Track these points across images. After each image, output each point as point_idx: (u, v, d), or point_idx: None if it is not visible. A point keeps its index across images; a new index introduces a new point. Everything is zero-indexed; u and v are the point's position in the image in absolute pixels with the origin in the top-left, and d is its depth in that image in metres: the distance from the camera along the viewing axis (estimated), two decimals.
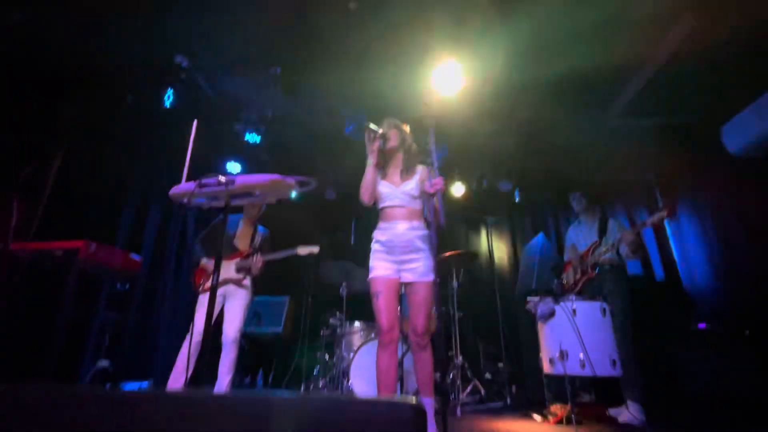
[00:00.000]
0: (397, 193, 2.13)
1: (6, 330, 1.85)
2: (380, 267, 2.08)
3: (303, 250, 3.07)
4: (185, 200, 1.57)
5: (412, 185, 2.15)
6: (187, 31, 3.23)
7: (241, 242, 3.07)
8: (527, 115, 4.19)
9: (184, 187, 1.58)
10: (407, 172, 2.18)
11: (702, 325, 3.41)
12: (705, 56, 3.20)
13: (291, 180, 1.55)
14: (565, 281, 3.32)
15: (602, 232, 3.18)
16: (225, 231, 2.94)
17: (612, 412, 2.83)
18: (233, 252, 2.98)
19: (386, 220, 2.14)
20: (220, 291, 2.82)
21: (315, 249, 3.11)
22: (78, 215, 3.25)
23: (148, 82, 3.67)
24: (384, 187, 2.18)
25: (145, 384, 3.90)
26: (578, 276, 3.16)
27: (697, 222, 3.90)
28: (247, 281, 2.95)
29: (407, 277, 2.07)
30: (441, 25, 3.05)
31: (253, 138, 4.21)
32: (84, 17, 3.07)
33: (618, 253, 3.04)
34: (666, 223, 2.80)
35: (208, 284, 2.74)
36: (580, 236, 3.34)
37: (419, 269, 2.05)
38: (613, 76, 3.60)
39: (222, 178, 1.52)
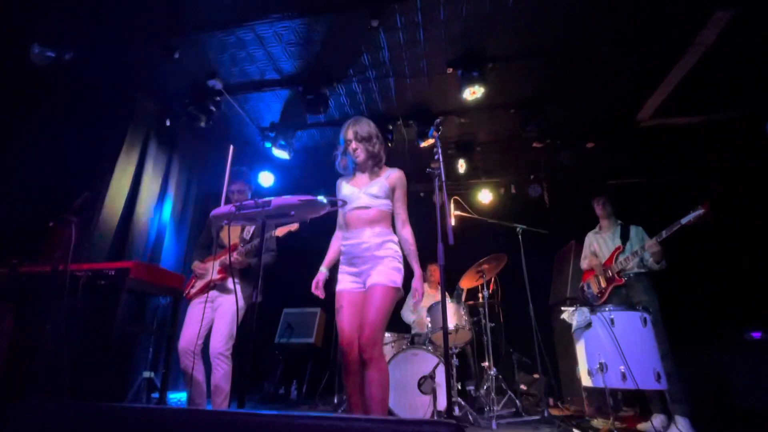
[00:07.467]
0: (359, 194, 1.93)
1: (68, 345, 2.01)
2: (344, 280, 1.91)
3: (281, 231, 2.67)
4: (225, 222, 1.66)
5: (376, 188, 1.93)
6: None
7: (232, 237, 2.62)
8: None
9: (223, 209, 1.68)
10: (372, 173, 1.99)
11: (756, 335, 3.20)
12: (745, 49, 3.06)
13: (323, 200, 1.61)
14: (586, 290, 3.19)
15: (624, 238, 3.06)
16: (211, 228, 2.68)
17: (641, 426, 2.70)
18: (221, 250, 2.61)
19: (349, 228, 1.93)
20: (207, 298, 2.46)
21: (294, 226, 2.66)
22: (122, 237, 3.49)
23: (184, 105, 3.91)
24: (346, 190, 1.99)
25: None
26: (604, 285, 3.04)
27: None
28: (232, 283, 2.47)
29: (368, 282, 1.84)
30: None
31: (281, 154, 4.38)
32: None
33: (642, 261, 2.93)
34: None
35: (193, 291, 2.54)
36: (602, 242, 3.23)
37: (377, 274, 1.82)
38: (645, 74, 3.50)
39: (258, 201, 1.60)
